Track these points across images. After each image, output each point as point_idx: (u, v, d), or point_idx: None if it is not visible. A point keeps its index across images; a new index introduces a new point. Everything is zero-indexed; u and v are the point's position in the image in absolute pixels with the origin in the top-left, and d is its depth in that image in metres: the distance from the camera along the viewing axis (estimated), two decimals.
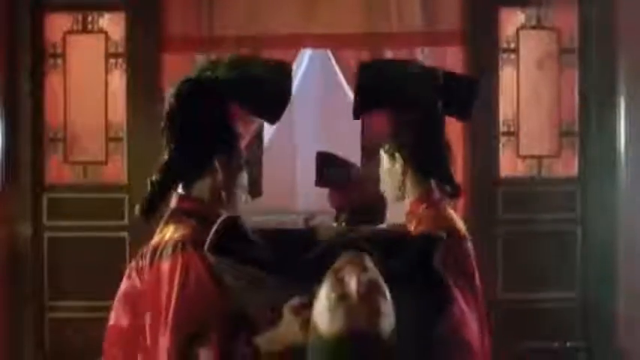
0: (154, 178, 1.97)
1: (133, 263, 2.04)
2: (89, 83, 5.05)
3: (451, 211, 2.25)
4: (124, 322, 2.00)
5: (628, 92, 4.85)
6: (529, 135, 5.08)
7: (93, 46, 5.06)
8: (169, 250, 1.87)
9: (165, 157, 1.95)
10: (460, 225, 2.23)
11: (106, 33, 5.06)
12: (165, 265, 1.86)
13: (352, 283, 1.57)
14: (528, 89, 5.07)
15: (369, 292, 1.58)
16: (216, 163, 1.93)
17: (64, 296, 5.00)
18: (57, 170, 5.08)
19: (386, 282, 1.61)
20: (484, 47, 5.02)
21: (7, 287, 4.87)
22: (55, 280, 5.01)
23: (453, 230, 2.13)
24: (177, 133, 1.91)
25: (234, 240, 1.74)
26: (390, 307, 1.60)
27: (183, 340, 1.77)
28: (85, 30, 5.08)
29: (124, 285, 2.09)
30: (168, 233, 1.92)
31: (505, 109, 5.07)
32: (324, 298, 1.59)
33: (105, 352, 2.05)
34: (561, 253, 4.97)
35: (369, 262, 1.63)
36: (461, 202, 5.03)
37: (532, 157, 5.09)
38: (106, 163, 5.07)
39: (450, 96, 2.20)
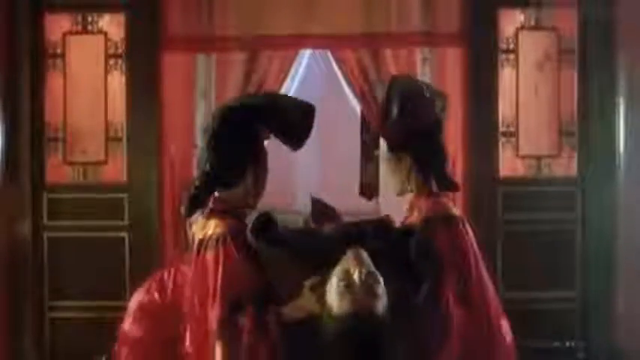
0: (196, 183, 2.42)
1: (156, 280, 2.56)
2: (89, 83, 5.05)
3: (447, 201, 2.68)
4: (139, 332, 2.56)
5: (627, 92, 4.86)
6: (529, 135, 5.08)
7: (93, 47, 5.06)
8: (213, 242, 2.34)
9: (208, 167, 2.40)
10: (455, 212, 2.65)
11: (105, 33, 5.07)
12: (210, 256, 2.34)
13: (355, 275, 2.22)
14: (528, 90, 5.08)
15: (368, 280, 2.22)
16: (248, 174, 2.44)
17: (64, 296, 5.00)
18: (57, 170, 5.08)
19: (376, 260, 2.25)
20: (484, 48, 5.02)
21: (7, 287, 4.87)
22: (54, 279, 5.01)
23: (447, 215, 2.60)
24: (218, 149, 2.38)
25: (269, 228, 2.37)
26: (384, 291, 2.22)
27: (227, 309, 2.27)
28: (84, 30, 5.08)
29: (141, 296, 2.59)
30: (210, 229, 2.38)
31: (505, 110, 5.07)
32: (335, 285, 2.23)
33: (117, 355, 2.65)
34: (561, 252, 4.98)
35: (366, 257, 2.25)
36: (461, 202, 5.04)
37: (532, 157, 5.09)
38: (105, 163, 5.07)
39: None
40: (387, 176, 2.75)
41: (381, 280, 2.23)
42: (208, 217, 2.42)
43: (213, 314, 2.29)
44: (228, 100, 2.78)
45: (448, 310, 2.42)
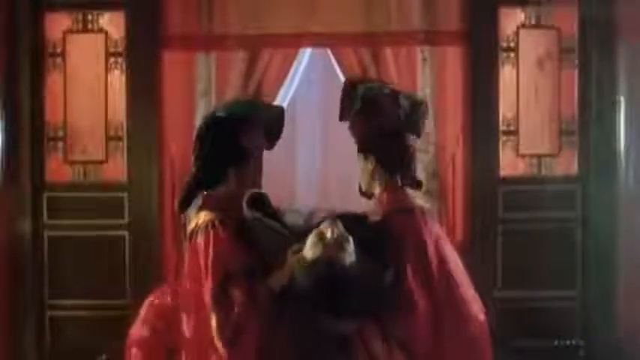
0: (187, 182, 2.69)
1: (167, 285, 2.95)
2: (89, 82, 5.05)
3: (408, 194, 2.80)
4: (146, 332, 2.75)
5: (628, 91, 4.85)
6: (529, 134, 5.08)
7: (93, 45, 5.06)
8: (203, 228, 2.58)
9: (194, 169, 2.67)
10: (416, 203, 2.79)
11: (105, 32, 5.07)
12: (201, 239, 2.57)
13: (328, 232, 2.52)
14: (528, 88, 5.07)
15: (338, 237, 2.51)
16: (230, 176, 2.65)
17: (64, 294, 5.01)
18: (57, 169, 5.08)
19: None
20: (484, 46, 5.02)
21: (8, 286, 4.87)
22: (55, 278, 5.02)
23: (405, 207, 2.74)
24: (202, 153, 2.64)
25: (262, 203, 2.76)
26: (352, 249, 2.50)
27: (219, 281, 2.49)
28: (84, 29, 5.08)
29: (156, 299, 2.81)
30: (200, 219, 2.61)
31: (505, 109, 5.07)
32: (309, 239, 2.52)
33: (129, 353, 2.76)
34: (561, 251, 4.98)
35: (341, 225, 2.54)
36: (461, 201, 5.05)
37: (532, 156, 5.09)
38: (105, 162, 5.07)
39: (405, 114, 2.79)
40: (360, 175, 2.89)
41: (351, 241, 2.51)
42: (199, 211, 2.66)
43: (207, 288, 2.50)
44: (218, 106, 3.03)
45: (409, 287, 2.61)
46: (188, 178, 2.71)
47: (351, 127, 2.83)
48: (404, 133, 2.78)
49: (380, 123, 2.75)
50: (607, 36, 4.92)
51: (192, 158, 2.69)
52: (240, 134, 2.63)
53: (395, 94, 2.81)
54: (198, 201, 2.71)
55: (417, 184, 2.84)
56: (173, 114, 5.07)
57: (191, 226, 2.66)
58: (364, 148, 2.81)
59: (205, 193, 2.69)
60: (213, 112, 2.74)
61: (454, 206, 5.10)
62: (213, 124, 2.66)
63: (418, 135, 2.85)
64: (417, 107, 2.83)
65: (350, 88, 2.86)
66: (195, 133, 2.72)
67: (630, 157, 4.84)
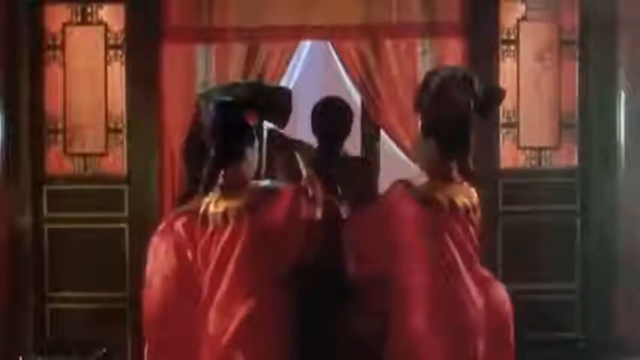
0: (207, 167, 2.80)
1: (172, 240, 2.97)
2: (89, 75, 5.05)
3: (439, 187, 2.84)
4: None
5: (628, 83, 4.85)
6: (529, 126, 5.07)
7: (92, 38, 5.05)
8: (230, 219, 2.75)
9: (213, 152, 2.79)
10: (438, 197, 2.82)
11: (105, 24, 5.06)
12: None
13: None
14: (528, 81, 5.07)
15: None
16: (245, 153, 2.81)
17: (65, 287, 5.01)
18: (57, 162, 5.08)
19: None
20: (484, 39, 5.01)
21: (8, 278, 4.88)
22: (55, 271, 5.02)
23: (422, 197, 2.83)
24: (218, 136, 2.78)
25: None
26: None
27: None
28: (84, 21, 5.07)
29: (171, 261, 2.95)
30: (221, 206, 2.78)
31: (505, 101, 5.01)
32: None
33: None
34: (561, 244, 4.98)
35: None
36: None
37: (532, 148, 5.08)
38: (105, 154, 5.07)
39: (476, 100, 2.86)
40: (416, 152, 3.05)
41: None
42: (219, 192, 2.83)
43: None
44: (215, 90, 3.10)
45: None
46: (207, 164, 2.80)
47: (416, 107, 2.91)
48: (469, 120, 2.82)
49: (446, 108, 2.81)
50: (607, 28, 4.91)
51: (207, 142, 2.81)
52: (249, 114, 2.82)
53: (469, 79, 2.85)
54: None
55: (470, 177, 2.88)
56: (173, 106, 5.05)
57: (211, 208, 2.79)
58: (427, 130, 2.86)
59: (223, 174, 2.83)
60: (222, 99, 2.86)
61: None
62: (221, 110, 2.82)
63: (486, 117, 2.94)
64: (491, 92, 2.92)
65: (429, 79, 2.91)
66: (201, 115, 2.88)
67: (630, 149, 4.83)
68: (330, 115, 3.58)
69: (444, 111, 2.81)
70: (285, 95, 3.02)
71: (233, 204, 2.76)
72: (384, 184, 6.11)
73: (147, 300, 2.98)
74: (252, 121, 2.84)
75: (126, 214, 5.02)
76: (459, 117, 2.82)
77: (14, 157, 4.93)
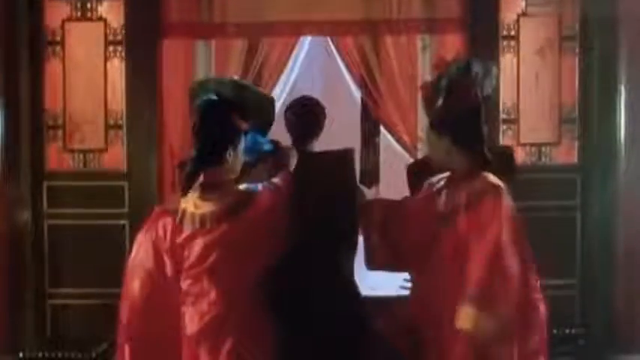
0: (188, 166, 2.77)
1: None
2: (88, 71, 5.05)
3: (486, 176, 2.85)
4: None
5: (628, 79, 4.84)
6: (529, 122, 5.07)
7: (92, 34, 5.06)
8: (207, 223, 2.72)
9: (195, 151, 2.75)
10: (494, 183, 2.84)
11: (105, 20, 5.06)
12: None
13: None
14: (529, 76, 5.07)
15: None
16: (227, 155, 2.76)
17: (65, 283, 5.02)
18: (57, 158, 5.09)
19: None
20: (484, 34, 5.01)
21: (8, 274, 4.88)
22: (55, 267, 5.02)
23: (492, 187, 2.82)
24: (200, 136, 2.76)
25: None
26: None
27: None
28: (84, 17, 5.07)
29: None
30: (200, 208, 2.74)
31: (505, 97, 5.06)
32: None
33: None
34: (561, 239, 4.97)
35: None
36: None
37: (532, 144, 5.08)
38: (105, 150, 5.07)
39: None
40: (430, 149, 3.01)
41: None
42: (199, 192, 2.78)
43: None
44: (202, 85, 3.05)
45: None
46: (189, 163, 2.78)
47: (429, 105, 2.91)
48: (480, 116, 2.84)
49: (460, 106, 2.82)
50: (608, 23, 4.90)
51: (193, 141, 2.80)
52: (234, 116, 2.77)
53: (468, 67, 2.88)
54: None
55: (487, 166, 2.87)
56: (173, 102, 5.06)
57: (189, 208, 2.75)
58: (439, 127, 2.86)
59: (205, 174, 2.77)
60: (208, 98, 2.85)
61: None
62: (206, 109, 2.79)
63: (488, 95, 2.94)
64: (487, 66, 2.97)
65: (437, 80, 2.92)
66: (194, 116, 2.84)
67: (630, 145, 4.83)
68: (299, 114, 3.58)
69: (457, 108, 2.82)
70: (271, 104, 3.06)
71: (211, 207, 2.72)
72: (384, 178, 6.14)
73: (124, 296, 2.95)
74: (242, 127, 2.81)
75: (126, 209, 5.02)
76: (471, 111, 2.83)
77: (14, 153, 4.92)
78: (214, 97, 2.83)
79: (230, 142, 2.77)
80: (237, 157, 2.81)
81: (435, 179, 2.97)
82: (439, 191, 2.91)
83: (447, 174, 2.93)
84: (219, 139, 2.76)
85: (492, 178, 2.86)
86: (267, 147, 3.06)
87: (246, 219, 2.71)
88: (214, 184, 2.76)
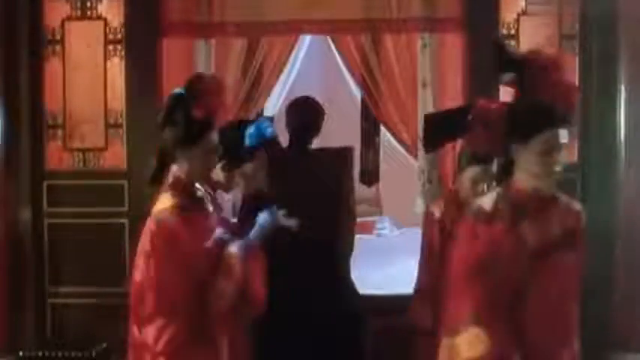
0: (155, 160, 2.84)
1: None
2: (88, 69, 5.05)
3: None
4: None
5: (629, 79, 4.84)
6: None
7: (92, 33, 5.05)
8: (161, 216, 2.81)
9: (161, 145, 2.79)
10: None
11: (105, 19, 5.06)
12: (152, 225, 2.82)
13: None
14: None
15: None
16: (191, 150, 2.75)
17: (65, 282, 5.02)
18: (57, 157, 5.09)
19: None
20: (484, 33, 4.99)
21: (8, 273, 4.88)
22: (55, 265, 5.03)
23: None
24: (164, 132, 2.78)
25: None
26: None
27: None
28: (83, 16, 5.07)
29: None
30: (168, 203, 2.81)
31: (505, 96, 5.04)
32: None
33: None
34: None
35: None
36: None
37: None
38: (105, 149, 5.07)
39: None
40: (468, 184, 3.12)
41: None
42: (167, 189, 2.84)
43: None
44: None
45: None
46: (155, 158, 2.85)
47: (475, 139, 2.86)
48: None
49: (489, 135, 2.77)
50: (608, 23, 4.90)
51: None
52: (194, 111, 2.70)
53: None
54: None
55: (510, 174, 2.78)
56: None
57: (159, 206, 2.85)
58: (472, 159, 3.05)
59: (173, 169, 2.84)
60: (171, 94, 2.81)
61: None
62: (168, 105, 2.77)
63: None
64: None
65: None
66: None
67: (630, 144, 4.83)
68: (297, 112, 3.59)
69: (488, 138, 2.79)
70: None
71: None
72: (384, 177, 6.15)
73: (132, 282, 2.91)
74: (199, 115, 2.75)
75: (126, 208, 5.02)
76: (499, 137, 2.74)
77: (14, 151, 4.93)
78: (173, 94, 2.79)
79: (185, 136, 2.79)
80: (203, 152, 2.81)
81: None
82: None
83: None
84: (175, 134, 2.80)
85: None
86: (269, 131, 3.09)
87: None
88: (175, 184, 2.88)
